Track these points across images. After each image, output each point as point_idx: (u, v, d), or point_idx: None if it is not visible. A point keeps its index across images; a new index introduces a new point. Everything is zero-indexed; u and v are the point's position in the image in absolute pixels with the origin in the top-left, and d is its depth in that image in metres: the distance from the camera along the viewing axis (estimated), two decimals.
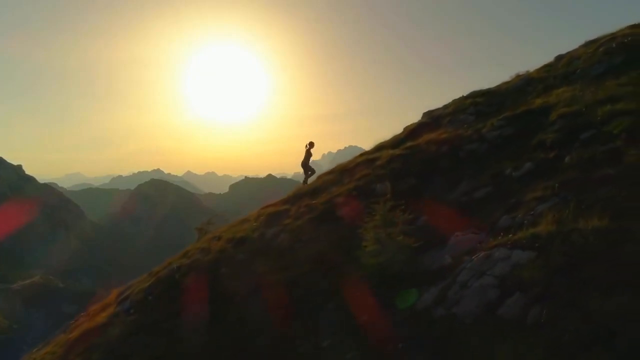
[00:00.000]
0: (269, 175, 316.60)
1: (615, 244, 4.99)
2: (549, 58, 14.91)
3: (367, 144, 14.60)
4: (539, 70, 14.06)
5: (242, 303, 7.62)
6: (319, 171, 16.59)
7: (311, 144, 16.32)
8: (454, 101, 14.81)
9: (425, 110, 15.37)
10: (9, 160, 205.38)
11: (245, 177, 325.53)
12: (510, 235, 5.90)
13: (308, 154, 16.17)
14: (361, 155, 13.31)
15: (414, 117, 15.54)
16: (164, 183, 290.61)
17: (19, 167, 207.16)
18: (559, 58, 14.26)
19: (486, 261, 5.77)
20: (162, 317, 8.53)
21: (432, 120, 13.86)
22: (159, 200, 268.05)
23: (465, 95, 14.97)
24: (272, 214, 11.45)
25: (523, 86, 13.06)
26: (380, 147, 13.84)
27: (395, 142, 13.36)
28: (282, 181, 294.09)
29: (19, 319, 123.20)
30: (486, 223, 6.87)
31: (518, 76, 15.34)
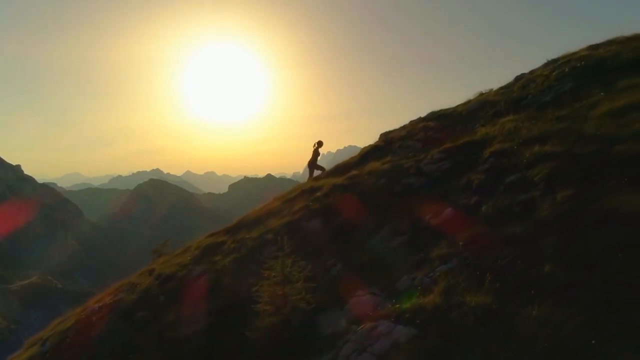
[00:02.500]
0: (268, 175, 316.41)
1: (492, 328, 4.55)
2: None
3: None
4: (496, 92, 13.59)
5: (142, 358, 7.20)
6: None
7: (319, 143, 15.85)
8: (411, 122, 14.37)
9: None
10: (7, 160, 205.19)
11: (245, 177, 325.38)
12: (397, 305, 5.46)
13: (315, 154, 15.69)
14: (305, 183, 12.86)
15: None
16: (163, 183, 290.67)
17: (18, 167, 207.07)
18: (518, 79, 13.79)
19: (370, 334, 5.32)
20: None
21: (385, 143, 13.42)
22: (158, 200, 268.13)
23: (422, 116, 14.54)
24: (208, 246, 11.03)
25: (476, 110, 12.60)
26: (329, 174, 13.43)
27: (346, 167, 12.95)
28: (282, 181, 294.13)
29: (16, 319, 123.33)
30: (390, 281, 6.42)
31: (481, 94, 14.91)
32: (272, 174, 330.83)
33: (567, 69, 11.59)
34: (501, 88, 13.97)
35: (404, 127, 14.01)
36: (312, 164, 15.62)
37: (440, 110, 14.38)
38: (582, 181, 6.37)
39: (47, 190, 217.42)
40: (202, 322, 7.45)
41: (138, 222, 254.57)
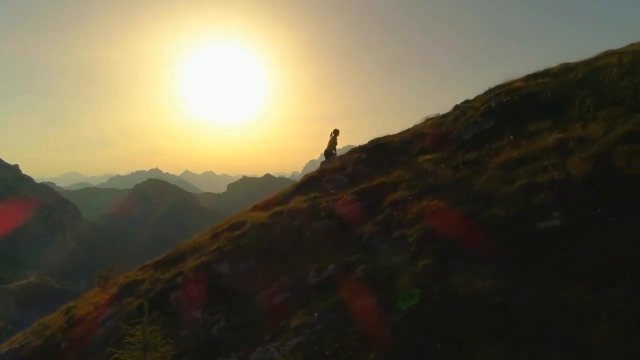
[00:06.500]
0: (267, 175, 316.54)
1: None
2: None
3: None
4: (434, 122, 13.45)
5: None
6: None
7: (336, 132, 15.75)
8: (351, 151, 14.27)
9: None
10: (5, 160, 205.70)
11: (244, 176, 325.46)
12: None
13: (333, 142, 15.59)
14: (236, 216, 12.76)
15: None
16: (162, 183, 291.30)
17: (16, 166, 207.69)
18: (456, 108, 13.64)
19: None
20: None
21: (321, 174, 13.32)
22: (157, 200, 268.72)
23: (363, 144, 14.44)
24: (128, 284, 10.96)
25: (408, 142, 12.47)
26: (268, 203, 13.31)
27: (278, 200, 12.84)
28: (281, 181, 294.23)
29: (14, 319, 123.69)
30: (251, 348, 6.33)
31: (427, 119, 14.79)
32: (271, 173, 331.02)
33: (493, 104, 11.44)
34: (440, 117, 13.84)
35: (341, 157, 13.91)
36: (328, 153, 15.48)
37: (381, 138, 14.27)
38: (444, 249, 6.27)
39: (46, 190, 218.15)
40: None
41: (137, 222, 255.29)
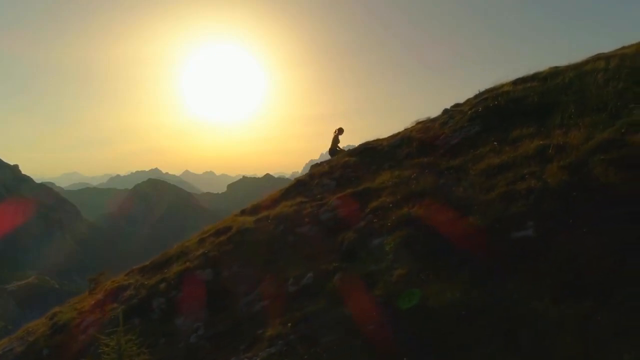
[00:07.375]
0: (267, 175, 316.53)
1: None
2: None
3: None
4: (423, 126, 13.40)
5: None
6: None
7: (340, 130, 15.81)
8: (341, 154, 14.22)
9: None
10: (5, 160, 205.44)
11: (243, 176, 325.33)
12: None
13: (335, 141, 15.67)
14: (223, 221, 12.72)
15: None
16: (161, 182, 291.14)
17: (15, 166, 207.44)
18: (445, 112, 13.62)
19: None
20: None
21: (309, 177, 13.28)
22: (156, 200, 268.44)
23: (354, 147, 14.41)
24: (114, 290, 10.93)
25: (396, 147, 12.41)
26: (256, 207, 13.27)
27: (267, 203, 12.81)
28: (280, 181, 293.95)
29: (13, 320, 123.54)
30: (227, 358, 6.31)
31: (417, 123, 14.75)
32: (271, 173, 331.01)
33: (480, 109, 11.40)
34: (430, 121, 13.80)
35: (330, 161, 13.88)
36: (333, 151, 15.54)
37: (370, 142, 14.23)
38: (419, 258, 6.25)
39: (45, 190, 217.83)
40: None
41: (136, 222, 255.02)
